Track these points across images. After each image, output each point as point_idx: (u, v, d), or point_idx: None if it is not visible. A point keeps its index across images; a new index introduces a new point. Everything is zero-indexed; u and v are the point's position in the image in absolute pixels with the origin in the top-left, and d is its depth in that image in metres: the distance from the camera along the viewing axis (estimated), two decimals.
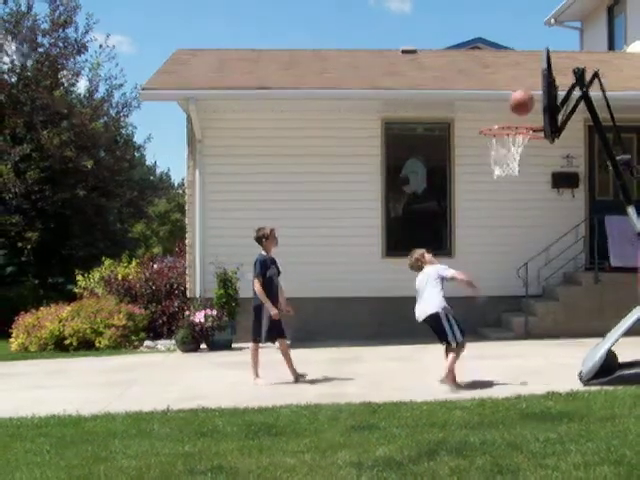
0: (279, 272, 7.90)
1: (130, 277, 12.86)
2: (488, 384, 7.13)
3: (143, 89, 11.25)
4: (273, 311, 7.53)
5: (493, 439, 4.93)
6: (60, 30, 19.20)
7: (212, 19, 67.86)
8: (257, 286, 7.61)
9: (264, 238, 7.82)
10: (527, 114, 7.41)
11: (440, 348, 7.42)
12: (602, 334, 7.30)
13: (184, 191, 13.91)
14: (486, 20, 60.49)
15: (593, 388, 6.65)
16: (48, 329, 10.87)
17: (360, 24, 65.41)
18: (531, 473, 4.24)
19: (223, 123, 11.25)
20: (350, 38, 66.81)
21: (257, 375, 7.66)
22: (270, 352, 7.86)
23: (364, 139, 11.26)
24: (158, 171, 37.00)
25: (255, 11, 66.53)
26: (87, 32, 19.57)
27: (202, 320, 10.22)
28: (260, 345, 7.71)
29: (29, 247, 17.01)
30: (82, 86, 36.55)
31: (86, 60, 20.42)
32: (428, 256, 7.45)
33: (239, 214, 11.06)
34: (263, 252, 7.81)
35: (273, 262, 7.83)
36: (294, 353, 9.92)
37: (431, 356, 9.12)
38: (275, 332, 7.58)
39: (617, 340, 6.94)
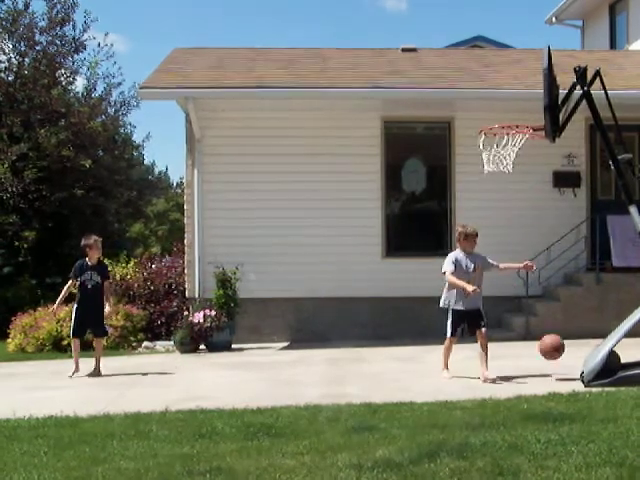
0: (103, 279, 8.59)
1: (128, 277, 12.82)
2: (489, 385, 7.09)
3: (141, 88, 11.21)
4: (54, 308, 8.84)
5: (494, 440, 4.89)
6: (58, 28, 19.10)
7: (210, 18, 67.87)
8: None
9: (87, 247, 8.57)
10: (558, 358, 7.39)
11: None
12: (603, 335, 7.26)
13: (183, 190, 13.86)
14: (486, 18, 60.53)
15: (594, 389, 6.61)
16: (45, 329, 10.82)
17: (355, 25, 65.43)
18: (532, 474, 4.21)
19: (222, 122, 11.21)
20: (346, 39, 66.90)
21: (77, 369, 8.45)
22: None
23: (364, 138, 11.22)
24: (156, 170, 36.99)
25: (253, 11, 66.53)
26: (85, 30, 19.51)
27: (201, 320, 10.17)
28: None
29: (26, 247, 16.96)
30: (80, 85, 36.45)
31: (84, 59, 20.35)
32: (458, 235, 7.57)
33: (238, 214, 11.04)
34: (87, 258, 8.57)
35: (91, 269, 8.53)
36: (295, 353, 9.94)
37: (432, 356, 9.10)
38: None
39: (619, 341, 6.91)
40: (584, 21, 17.03)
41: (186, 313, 10.89)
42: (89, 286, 8.47)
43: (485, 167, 8.12)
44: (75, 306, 8.56)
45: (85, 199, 18.93)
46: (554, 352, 7.32)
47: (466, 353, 7.91)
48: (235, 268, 10.49)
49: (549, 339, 7.38)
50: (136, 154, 26.90)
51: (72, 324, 8.60)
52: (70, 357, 10.20)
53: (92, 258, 8.55)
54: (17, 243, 17.08)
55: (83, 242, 8.62)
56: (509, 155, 7.96)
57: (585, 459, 4.42)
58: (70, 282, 8.66)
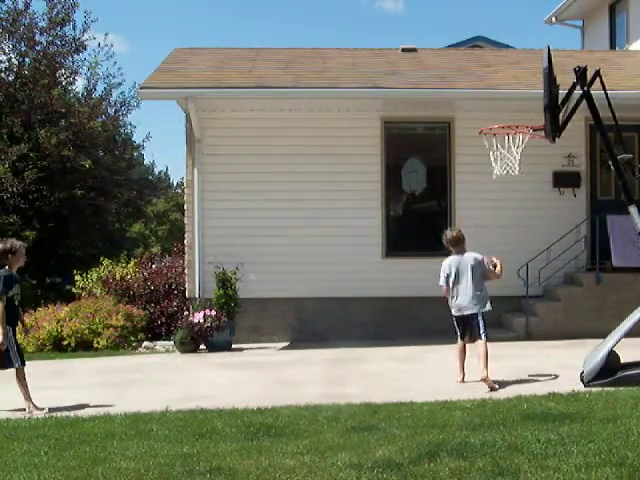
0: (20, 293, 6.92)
1: (128, 277, 12.82)
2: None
3: (142, 88, 11.20)
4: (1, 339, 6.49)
5: (494, 440, 4.89)
6: (58, 28, 19.14)
7: (210, 18, 67.86)
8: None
9: (10, 253, 6.82)
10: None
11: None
12: (603, 335, 7.26)
13: (183, 190, 13.86)
14: (486, 18, 60.55)
15: (594, 389, 6.61)
16: (46, 329, 10.82)
17: (354, 26, 65.42)
18: (532, 474, 4.21)
19: (222, 122, 11.21)
20: (345, 40, 66.91)
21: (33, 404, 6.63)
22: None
23: (364, 138, 11.22)
24: (156, 170, 37.00)
25: (253, 11, 66.51)
26: (85, 30, 19.55)
27: (201, 320, 10.16)
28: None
29: (26, 247, 16.93)
30: (80, 85, 36.56)
31: (84, 59, 20.39)
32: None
33: (238, 214, 11.03)
34: (6, 268, 6.79)
35: (16, 281, 6.85)
36: (295, 353, 9.94)
37: (432, 356, 9.11)
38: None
39: (619, 341, 6.91)
40: (584, 21, 17.02)
41: (186, 313, 10.89)
42: (16, 302, 6.75)
43: (495, 171, 8.12)
44: (10, 329, 6.59)
45: (85, 199, 18.96)
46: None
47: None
48: (235, 268, 10.49)
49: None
50: (136, 154, 26.94)
51: (16, 352, 6.60)
52: (70, 357, 10.23)
53: (14, 266, 6.86)
54: None
55: (7, 246, 6.85)
56: (514, 157, 7.96)
57: (585, 459, 4.43)
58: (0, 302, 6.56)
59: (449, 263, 7.41)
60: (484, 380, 6.92)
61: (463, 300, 7.24)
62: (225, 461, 4.67)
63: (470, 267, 7.28)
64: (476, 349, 7.23)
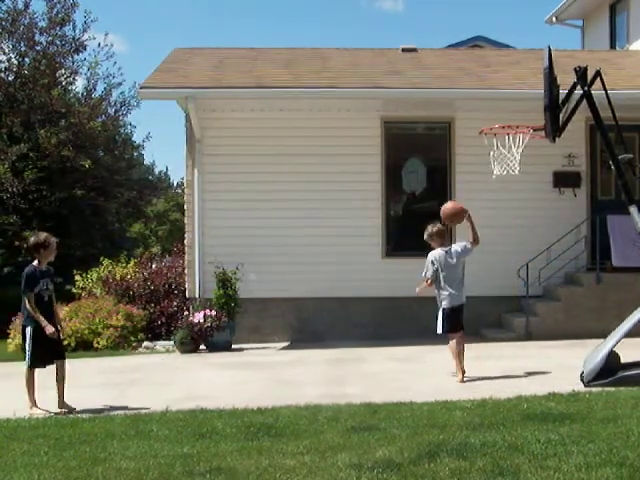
0: (53, 286, 6.81)
1: (128, 277, 12.82)
2: (489, 385, 7.09)
3: (142, 87, 11.21)
4: (49, 329, 6.47)
5: (494, 440, 4.89)
6: (58, 28, 19.18)
7: (210, 18, 67.85)
8: (27, 304, 6.54)
9: (43, 247, 6.64)
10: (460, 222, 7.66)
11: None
12: (604, 335, 7.26)
13: (183, 190, 13.86)
14: (486, 18, 60.56)
15: (594, 389, 6.61)
16: None
17: (354, 26, 65.46)
18: (532, 474, 4.20)
19: (222, 122, 11.21)
20: (345, 40, 66.94)
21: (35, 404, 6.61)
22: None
23: (364, 138, 11.21)
24: (157, 170, 37.05)
25: (253, 11, 66.52)
26: (85, 30, 19.59)
27: (201, 320, 10.16)
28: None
29: (26, 247, 16.99)
30: (80, 85, 36.61)
31: (84, 59, 20.42)
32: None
33: (238, 214, 11.03)
34: (35, 263, 6.71)
35: (45, 275, 6.74)
36: (295, 353, 9.94)
37: (432, 356, 9.10)
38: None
39: (619, 341, 6.90)
40: (584, 21, 17.02)
41: (186, 313, 10.89)
42: (45, 298, 6.64)
43: (495, 171, 8.14)
44: (29, 328, 6.53)
45: (85, 199, 18.98)
46: (453, 217, 7.58)
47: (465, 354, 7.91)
48: (235, 268, 10.48)
49: (450, 205, 7.80)
50: (136, 154, 26.98)
51: (29, 352, 6.56)
52: (70, 357, 10.17)
53: (44, 261, 6.75)
54: (17, 243, 17.09)
55: (40, 240, 6.69)
56: (514, 157, 7.97)
57: (585, 459, 4.42)
58: (26, 298, 6.57)
59: (437, 257, 7.50)
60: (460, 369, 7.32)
61: (459, 290, 7.46)
62: (225, 461, 4.67)
63: (458, 257, 7.49)
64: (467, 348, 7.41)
